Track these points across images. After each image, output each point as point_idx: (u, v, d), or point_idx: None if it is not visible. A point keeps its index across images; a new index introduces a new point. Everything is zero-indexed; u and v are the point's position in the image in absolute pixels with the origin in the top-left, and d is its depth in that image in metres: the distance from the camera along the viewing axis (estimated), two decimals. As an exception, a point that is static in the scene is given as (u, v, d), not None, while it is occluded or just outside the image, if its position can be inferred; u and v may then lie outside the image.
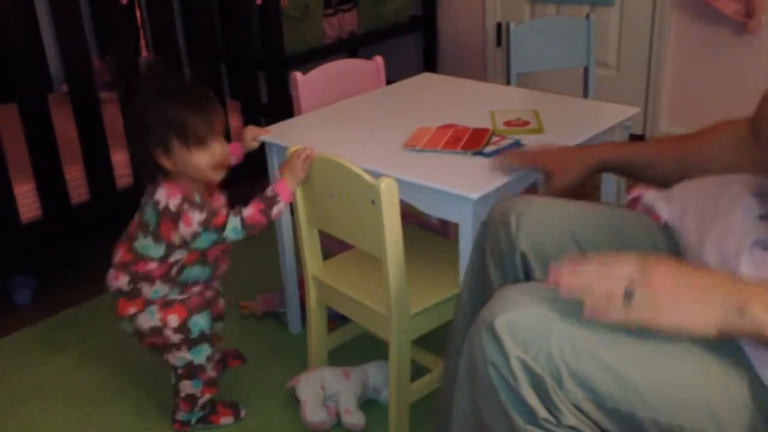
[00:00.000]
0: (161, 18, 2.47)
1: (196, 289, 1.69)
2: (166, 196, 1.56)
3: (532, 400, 0.98)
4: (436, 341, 1.73)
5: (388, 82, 2.38)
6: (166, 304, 1.65)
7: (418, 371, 1.73)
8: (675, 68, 3.31)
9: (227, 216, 1.58)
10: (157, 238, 1.59)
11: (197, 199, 1.57)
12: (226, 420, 1.80)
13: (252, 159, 1.86)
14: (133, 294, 1.64)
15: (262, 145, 1.89)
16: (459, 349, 1.24)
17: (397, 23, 3.70)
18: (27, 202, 2.21)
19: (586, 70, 2.67)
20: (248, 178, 1.62)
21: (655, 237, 1.27)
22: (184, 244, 1.59)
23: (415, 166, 1.67)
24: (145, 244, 1.61)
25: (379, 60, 2.41)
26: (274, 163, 1.93)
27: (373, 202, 1.47)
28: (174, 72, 1.62)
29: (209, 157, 1.55)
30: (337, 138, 1.89)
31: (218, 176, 1.60)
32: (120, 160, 2.40)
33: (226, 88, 2.78)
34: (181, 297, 1.67)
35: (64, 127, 2.27)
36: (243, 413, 1.82)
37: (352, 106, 2.13)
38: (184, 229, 1.55)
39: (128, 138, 1.60)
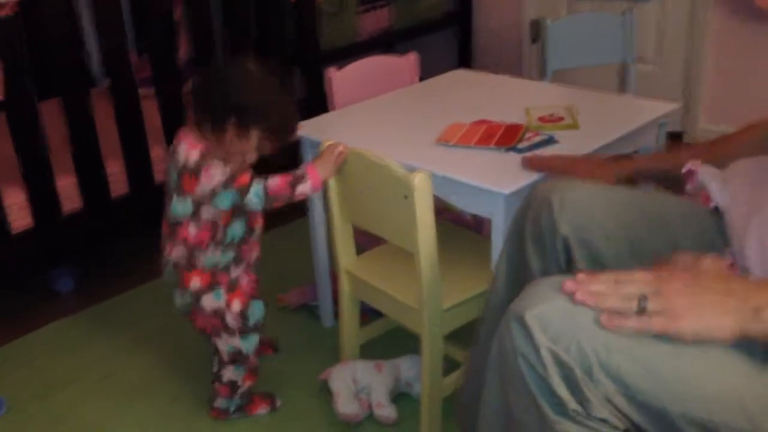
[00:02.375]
0: (199, 15, 2.51)
1: (249, 255, 1.69)
2: (186, 150, 1.56)
3: (562, 391, 0.98)
4: (468, 336, 1.73)
5: (422, 78, 2.39)
6: (232, 286, 1.67)
7: (450, 366, 1.73)
8: (715, 64, 3.26)
9: (251, 180, 1.58)
10: (181, 193, 1.59)
11: (219, 156, 1.57)
12: (262, 410, 1.83)
13: (285, 153, 1.88)
14: (190, 265, 1.65)
15: (296, 141, 1.91)
16: (488, 340, 1.25)
17: (432, 19, 3.70)
18: (68, 195, 2.26)
19: (624, 67, 2.64)
20: (280, 172, 1.64)
21: (703, 223, 1.25)
22: (205, 199, 1.58)
23: (448, 161, 1.68)
24: (173, 204, 1.61)
25: (413, 56, 2.42)
26: (307, 157, 1.95)
27: (406, 196, 1.48)
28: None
29: (257, 155, 1.60)
30: (370, 133, 1.91)
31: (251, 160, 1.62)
32: (158, 155, 2.44)
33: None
34: (239, 272, 1.68)
35: (105, 122, 2.32)
36: (278, 404, 1.85)
37: (386, 102, 2.14)
38: (206, 184, 1.55)
39: (201, 88, 1.60)
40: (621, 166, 1.49)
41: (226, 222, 1.63)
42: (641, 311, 0.94)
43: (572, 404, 0.97)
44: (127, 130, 2.34)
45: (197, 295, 1.67)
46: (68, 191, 2.26)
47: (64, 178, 2.25)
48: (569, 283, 0.98)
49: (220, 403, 1.80)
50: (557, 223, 1.24)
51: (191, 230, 1.63)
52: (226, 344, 1.71)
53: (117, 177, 2.36)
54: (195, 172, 1.55)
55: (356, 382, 1.80)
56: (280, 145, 1.61)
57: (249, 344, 1.73)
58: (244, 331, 1.71)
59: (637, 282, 0.97)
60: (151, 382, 1.99)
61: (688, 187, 1.32)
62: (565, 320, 0.98)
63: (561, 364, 0.97)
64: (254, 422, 1.81)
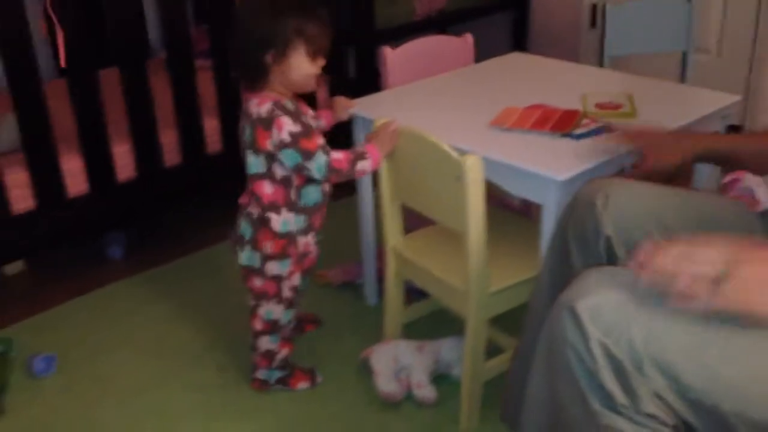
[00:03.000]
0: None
1: (316, 222, 1.70)
2: (257, 104, 1.58)
3: (611, 384, 0.97)
4: (511, 322, 1.72)
5: (477, 60, 2.36)
6: (299, 259, 1.69)
7: (492, 350, 1.73)
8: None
9: (318, 147, 1.57)
10: (256, 150, 1.60)
11: (289, 105, 1.59)
12: (303, 385, 1.85)
13: (337, 130, 1.89)
14: (265, 226, 1.65)
15: (349, 118, 1.91)
16: (535, 329, 1.24)
17: (488, 1, 3.65)
18: (123, 162, 2.31)
19: (684, 55, 2.57)
20: (333, 149, 1.65)
21: (751, 226, 1.23)
22: (275, 155, 1.58)
23: (501, 144, 1.66)
24: (249, 161, 1.63)
25: (468, 38, 2.39)
26: (360, 135, 1.95)
27: (457, 178, 1.48)
28: None
29: (316, 69, 1.60)
30: (423, 114, 1.90)
31: (313, 86, 1.63)
32: (211, 126, 2.47)
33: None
34: (305, 242, 1.69)
35: (161, 92, 2.36)
36: (319, 379, 1.87)
37: (439, 83, 2.13)
38: (276, 134, 1.56)
39: (233, 48, 1.63)
40: (691, 143, 1.43)
41: (300, 183, 1.63)
42: (717, 283, 0.90)
43: (620, 398, 0.96)
44: (182, 101, 2.37)
45: (265, 259, 1.68)
46: (123, 159, 2.30)
47: (119, 145, 2.29)
48: (635, 260, 0.95)
49: (260, 374, 1.82)
50: (600, 224, 1.24)
51: (266, 188, 1.63)
52: (266, 311, 1.73)
53: (170, 147, 2.40)
54: (267, 123, 1.56)
55: (397, 362, 1.80)
56: (325, 53, 1.60)
57: (288, 316, 1.76)
58: (290, 304, 1.74)
59: (709, 261, 0.92)
60: (197, 350, 2.02)
61: (731, 194, 1.29)
62: (618, 312, 0.97)
63: (611, 357, 0.96)
64: (294, 396, 1.84)
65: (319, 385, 1.87)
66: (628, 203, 1.24)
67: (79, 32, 2.10)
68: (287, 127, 1.55)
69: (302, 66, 1.58)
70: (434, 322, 1.98)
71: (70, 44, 2.08)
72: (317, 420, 1.77)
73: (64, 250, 2.48)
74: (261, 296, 1.73)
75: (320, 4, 1.61)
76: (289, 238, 1.67)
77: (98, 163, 2.24)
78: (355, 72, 2.95)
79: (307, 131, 1.57)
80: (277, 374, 1.83)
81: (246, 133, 1.62)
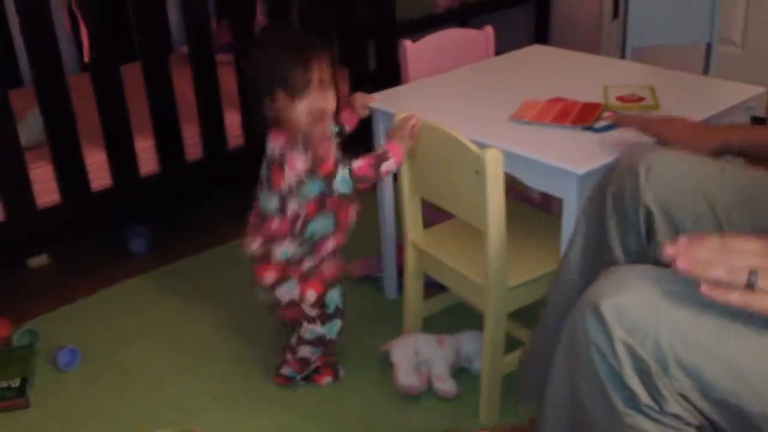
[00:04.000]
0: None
1: (326, 247, 1.69)
2: (272, 142, 1.59)
3: (635, 385, 0.95)
4: (531, 316, 1.72)
5: (498, 53, 2.35)
6: (305, 277, 1.69)
7: (511, 344, 1.72)
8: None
9: (336, 166, 1.56)
10: (270, 188, 1.62)
11: (300, 144, 1.56)
12: (327, 380, 1.86)
13: (359, 124, 1.89)
14: (265, 257, 1.67)
15: (369, 114, 1.91)
16: (555, 322, 1.23)
17: (510, -7, 3.63)
18: (146, 157, 2.33)
19: (708, 47, 2.54)
20: (354, 143, 1.64)
21: None
22: (291, 191, 1.59)
23: (522, 138, 1.65)
24: (263, 198, 1.65)
25: (489, 30, 2.38)
26: (380, 129, 1.95)
27: (477, 172, 1.47)
28: (286, 25, 1.62)
29: (308, 107, 1.55)
30: (443, 107, 1.89)
31: (319, 128, 1.58)
32: (233, 121, 2.48)
33: (336, 56, 2.82)
34: (312, 263, 1.68)
35: (182, 87, 2.37)
36: (342, 373, 1.88)
37: (460, 76, 2.12)
38: (290, 173, 1.56)
39: (242, 90, 1.64)
40: (713, 136, 1.39)
41: (310, 215, 1.63)
42: (749, 286, 0.87)
43: (645, 398, 0.95)
44: (204, 95, 2.38)
45: (271, 291, 1.70)
46: (146, 153, 2.32)
47: (142, 140, 2.31)
48: (670, 249, 0.91)
49: (287, 371, 1.83)
50: (642, 192, 1.20)
51: (275, 224, 1.64)
52: (307, 331, 1.74)
53: (192, 141, 2.41)
54: (280, 163, 1.57)
55: (417, 355, 1.80)
56: (316, 85, 1.55)
57: (332, 329, 1.76)
58: (324, 319, 1.74)
59: (748, 253, 0.89)
60: (217, 343, 2.04)
61: None
62: (643, 312, 0.95)
63: (635, 357, 0.94)
64: (314, 388, 1.85)
65: (340, 379, 1.87)
66: (671, 174, 1.20)
67: (103, 27, 2.12)
68: (300, 161, 1.55)
69: (289, 109, 1.55)
70: (454, 315, 1.98)
71: (93, 39, 2.10)
72: (337, 413, 1.78)
73: (87, 244, 2.51)
74: (293, 321, 1.74)
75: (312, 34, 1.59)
76: (286, 262, 1.67)
77: (121, 157, 2.26)
78: (375, 65, 2.95)
79: (320, 159, 1.56)
80: (303, 374, 1.84)
81: (263, 170, 1.64)
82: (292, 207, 1.62)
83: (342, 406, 1.79)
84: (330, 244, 1.70)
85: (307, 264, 1.69)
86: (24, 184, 2.08)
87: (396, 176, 1.76)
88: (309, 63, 1.53)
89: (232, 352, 2.00)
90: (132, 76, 2.32)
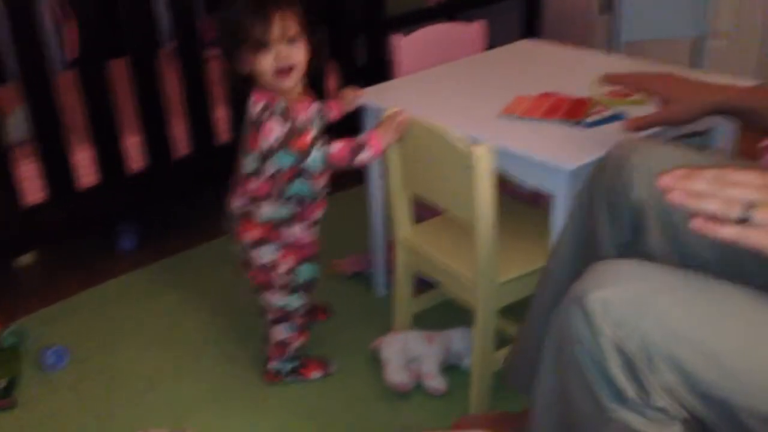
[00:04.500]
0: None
1: (315, 213, 1.69)
2: (253, 103, 1.57)
3: (621, 379, 0.95)
4: (521, 312, 1.71)
5: (489, 47, 2.34)
6: (285, 246, 1.68)
7: (501, 340, 1.72)
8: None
9: (312, 143, 1.54)
10: (247, 149, 1.61)
11: (280, 107, 1.54)
12: (315, 374, 1.85)
13: (347, 119, 1.88)
14: (248, 215, 1.67)
15: (358, 107, 1.90)
16: (545, 314, 1.22)
17: (501, -13, 3.61)
18: (134, 153, 2.31)
19: (698, 41, 2.53)
20: (342, 138, 1.64)
21: None
22: (266, 155, 1.57)
23: (512, 134, 1.64)
24: (245, 160, 1.63)
25: (480, 24, 2.37)
26: (369, 124, 1.94)
27: (467, 168, 1.46)
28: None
29: (271, 62, 1.52)
30: (434, 102, 1.88)
31: (284, 83, 1.55)
32: (221, 116, 2.46)
33: (325, 50, 2.80)
34: (297, 231, 1.68)
35: (170, 82, 2.35)
36: (333, 369, 1.87)
37: (450, 71, 2.11)
38: (264, 140, 1.54)
39: (221, 53, 1.63)
40: (713, 95, 1.35)
41: (289, 178, 1.63)
42: (744, 220, 0.82)
43: (631, 393, 0.95)
44: (192, 91, 2.37)
45: (250, 248, 1.69)
46: (133, 150, 2.31)
47: (129, 136, 2.29)
48: (665, 178, 0.87)
49: (273, 365, 1.82)
50: (631, 187, 1.19)
51: (253, 184, 1.64)
52: (272, 299, 1.74)
53: (180, 137, 2.39)
54: (257, 126, 1.55)
55: (407, 352, 1.80)
56: (275, 41, 1.51)
57: (295, 301, 1.75)
58: (292, 289, 1.73)
59: (746, 185, 0.84)
60: (208, 340, 2.03)
61: (764, 160, 1.24)
62: (629, 306, 0.95)
63: (621, 352, 0.94)
64: (304, 385, 1.84)
65: (330, 375, 1.86)
66: (659, 167, 1.17)
67: (90, 23, 2.10)
68: (275, 132, 1.53)
69: (254, 64, 1.53)
70: (444, 312, 1.97)
71: (81, 35, 2.08)
72: (327, 410, 1.77)
73: (75, 242, 2.49)
74: (259, 287, 1.74)
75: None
76: (271, 223, 1.66)
77: (109, 154, 2.24)
78: (366, 60, 2.93)
79: (295, 131, 1.54)
80: (290, 365, 1.83)
81: (244, 131, 1.62)
82: (269, 169, 1.60)
83: (332, 403, 1.79)
84: (316, 212, 1.70)
85: (291, 231, 1.68)
86: (10, 182, 2.06)
87: (386, 172, 1.75)
88: (269, 16, 1.51)
89: (223, 350, 1.99)
90: (119, 71, 2.30)
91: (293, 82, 1.56)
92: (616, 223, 1.23)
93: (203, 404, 1.81)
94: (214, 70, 2.44)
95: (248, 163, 1.62)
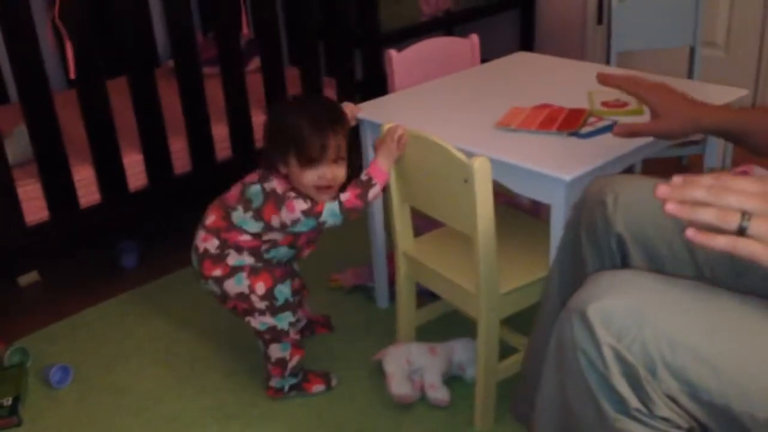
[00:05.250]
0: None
1: (278, 267, 1.75)
2: (275, 182, 1.64)
3: (624, 389, 0.96)
4: (524, 321, 1.72)
5: (484, 60, 2.37)
6: (254, 271, 1.71)
7: (504, 350, 1.73)
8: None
9: (324, 204, 1.63)
10: (258, 217, 1.66)
11: (302, 193, 1.64)
12: (318, 388, 1.86)
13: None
14: (219, 258, 1.71)
15: (356, 123, 1.92)
16: (546, 330, 1.24)
17: (494, 1, 3.64)
18: (134, 171, 2.32)
19: (692, 51, 2.56)
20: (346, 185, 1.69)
21: None
22: (282, 227, 1.65)
23: (509, 145, 1.66)
24: (244, 218, 1.68)
25: (474, 38, 2.39)
26: (367, 139, 1.96)
27: (466, 180, 1.48)
28: (316, 93, 1.71)
29: (315, 178, 1.61)
30: (430, 116, 1.90)
31: (322, 197, 1.63)
32: (220, 133, 2.48)
33: (322, 66, 2.83)
34: (264, 267, 1.73)
35: (169, 100, 2.37)
36: (334, 382, 1.88)
37: (446, 85, 2.13)
38: (286, 215, 1.62)
39: (265, 135, 1.69)
40: (699, 114, 1.36)
41: (281, 243, 1.70)
42: (740, 231, 0.82)
43: (634, 402, 0.95)
44: (191, 108, 2.38)
45: (219, 282, 1.72)
46: (134, 168, 2.32)
47: (130, 154, 2.31)
48: (663, 188, 0.87)
49: (274, 382, 1.83)
50: (611, 221, 1.22)
51: (243, 239, 1.69)
52: (258, 322, 1.75)
53: (181, 154, 2.41)
54: (279, 201, 1.62)
55: (410, 364, 1.81)
56: (325, 159, 1.60)
57: (282, 321, 1.76)
58: (274, 311, 1.74)
59: (743, 193, 0.84)
60: (210, 356, 2.04)
61: None
62: (629, 316, 0.96)
63: (623, 362, 0.95)
64: (308, 400, 1.84)
65: (331, 389, 1.87)
66: (640, 200, 1.22)
67: (88, 43, 2.12)
68: (298, 207, 1.61)
69: (298, 174, 1.62)
70: (446, 324, 1.98)
71: (79, 55, 2.09)
72: (330, 423, 1.77)
73: (77, 260, 2.50)
74: (243, 313, 1.76)
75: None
76: (239, 268, 1.71)
77: (109, 173, 2.26)
78: (361, 74, 2.96)
79: (315, 202, 1.63)
80: (291, 381, 1.84)
81: (250, 191, 1.66)
82: (272, 236, 1.68)
83: (335, 416, 1.79)
84: (280, 269, 1.76)
85: (255, 266, 1.72)
86: (12, 202, 2.07)
87: (385, 186, 1.76)
88: (326, 135, 1.59)
89: (224, 365, 2.00)
90: (118, 90, 2.32)
91: (331, 198, 1.63)
92: (601, 257, 1.26)
93: (206, 419, 1.82)
94: (213, 88, 2.46)
95: (252, 226, 1.67)
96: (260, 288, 1.72)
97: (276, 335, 1.76)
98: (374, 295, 2.19)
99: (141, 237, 2.58)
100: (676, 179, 0.88)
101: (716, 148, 1.94)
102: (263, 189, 1.65)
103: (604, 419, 0.98)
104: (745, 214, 0.83)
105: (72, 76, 2.11)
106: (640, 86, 1.44)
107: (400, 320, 1.89)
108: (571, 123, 1.72)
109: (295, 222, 1.62)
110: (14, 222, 2.09)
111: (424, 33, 3.16)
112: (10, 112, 2.52)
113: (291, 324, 1.77)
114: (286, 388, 1.84)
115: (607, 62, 2.58)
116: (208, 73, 2.48)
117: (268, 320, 1.74)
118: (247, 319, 1.76)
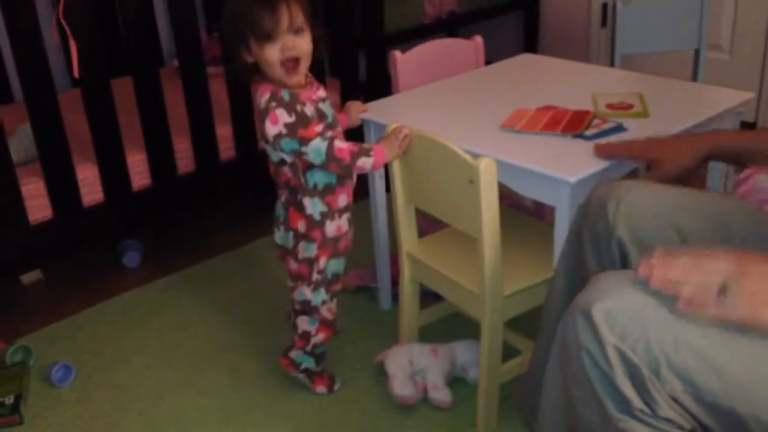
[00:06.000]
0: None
1: (337, 202, 1.68)
2: (259, 95, 1.58)
3: (627, 389, 0.96)
4: (527, 323, 1.72)
5: (488, 62, 2.37)
6: (323, 244, 1.69)
7: (508, 352, 1.73)
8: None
9: (316, 134, 1.55)
10: (265, 140, 1.60)
11: (286, 97, 1.56)
12: (321, 389, 1.85)
13: (349, 136, 1.89)
14: (297, 205, 1.67)
15: (361, 123, 1.92)
16: (550, 332, 1.24)
17: (498, 2, 3.65)
18: (138, 170, 2.32)
19: (697, 53, 2.56)
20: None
21: (763, 227, 1.22)
22: (273, 144, 1.58)
23: (513, 147, 1.66)
24: (269, 150, 1.65)
25: (478, 40, 2.39)
26: (371, 139, 1.96)
27: (471, 181, 1.48)
28: None
29: (277, 54, 1.52)
30: (434, 117, 1.90)
31: (292, 78, 1.56)
32: (224, 133, 2.48)
33: (326, 66, 2.83)
34: (332, 225, 1.68)
35: (174, 100, 2.37)
36: (337, 387, 1.87)
37: (450, 86, 2.13)
38: (270, 128, 1.55)
39: (223, 43, 1.63)
40: (698, 143, 1.43)
41: (304, 168, 1.63)
42: (723, 291, 0.92)
43: (637, 403, 0.95)
44: (195, 108, 2.38)
45: (297, 239, 1.69)
46: (138, 167, 2.32)
47: (134, 154, 2.31)
48: (644, 267, 0.97)
49: (294, 354, 1.83)
50: (613, 226, 1.24)
51: (287, 172, 1.65)
52: (299, 292, 1.75)
53: (184, 154, 2.41)
54: (264, 115, 1.56)
55: (412, 365, 1.80)
56: (282, 33, 1.52)
57: (318, 297, 1.75)
58: (317, 285, 1.73)
59: (718, 272, 0.94)
60: (213, 355, 2.03)
61: (741, 189, 1.29)
62: (633, 316, 0.96)
63: (627, 362, 0.95)
64: (309, 400, 1.84)
65: (334, 392, 1.86)
66: (640, 206, 1.25)
67: (92, 42, 2.12)
68: (282, 119, 1.54)
69: (260, 55, 1.55)
70: (449, 325, 1.98)
71: (83, 54, 2.10)
72: (332, 423, 1.77)
73: (80, 259, 2.50)
74: (296, 277, 1.75)
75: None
76: (312, 220, 1.67)
77: (113, 172, 2.26)
78: (366, 76, 2.96)
79: (303, 120, 1.56)
80: (309, 363, 1.83)
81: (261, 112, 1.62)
82: (286, 158, 1.62)
83: (337, 416, 1.79)
84: (338, 200, 1.68)
85: (330, 227, 1.68)
86: (16, 200, 2.07)
87: (389, 186, 1.76)
88: (277, 6, 1.52)
89: (227, 364, 2.00)
90: (122, 90, 2.32)
91: (300, 75, 1.58)
92: (601, 259, 1.27)
93: (208, 418, 1.82)
94: (217, 88, 2.46)
95: (272, 154, 1.64)
96: (323, 262, 1.71)
97: (307, 309, 1.76)
98: (377, 296, 2.19)
99: (144, 236, 2.58)
100: (655, 257, 0.98)
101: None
102: (256, 109, 1.59)
103: (608, 419, 0.98)
104: (722, 284, 0.93)
105: (76, 75, 2.11)
106: (633, 149, 1.51)
107: (402, 321, 1.89)
108: (575, 125, 1.71)
109: (278, 136, 1.55)
110: (18, 220, 2.09)
111: (428, 34, 3.16)
112: (14, 111, 2.52)
113: (323, 302, 1.76)
114: (302, 366, 1.83)
115: (612, 65, 2.58)
116: (212, 72, 2.48)
117: (307, 292, 1.74)
118: (296, 283, 1.75)
